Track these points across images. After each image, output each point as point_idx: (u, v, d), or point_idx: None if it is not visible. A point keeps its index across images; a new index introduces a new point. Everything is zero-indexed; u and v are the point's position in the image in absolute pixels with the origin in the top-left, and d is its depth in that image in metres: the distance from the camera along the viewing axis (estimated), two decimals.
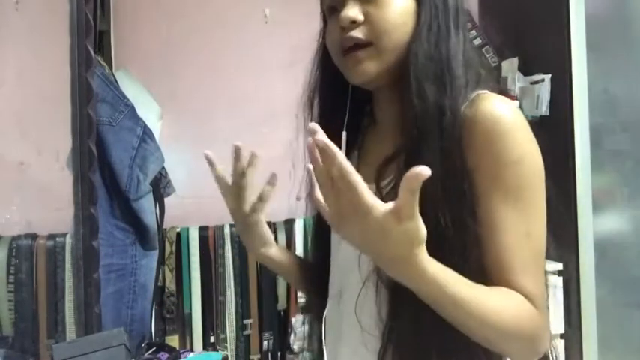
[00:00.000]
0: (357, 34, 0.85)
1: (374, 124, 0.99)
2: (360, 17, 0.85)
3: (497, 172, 0.79)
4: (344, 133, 0.93)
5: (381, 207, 0.65)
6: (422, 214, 0.70)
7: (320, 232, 1.04)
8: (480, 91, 0.85)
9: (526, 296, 0.78)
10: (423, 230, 0.67)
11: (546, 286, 0.84)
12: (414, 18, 0.86)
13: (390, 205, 0.65)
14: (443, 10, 0.87)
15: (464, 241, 0.79)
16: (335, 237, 0.99)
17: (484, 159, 0.80)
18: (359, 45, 0.86)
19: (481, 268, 0.80)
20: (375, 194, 0.80)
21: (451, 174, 0.79)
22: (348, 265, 0.90)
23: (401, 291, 0.78)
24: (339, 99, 0.95)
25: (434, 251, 0.73)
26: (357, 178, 0.65)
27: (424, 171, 0.62)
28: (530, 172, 0.80)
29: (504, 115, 0.80)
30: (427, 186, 0.74)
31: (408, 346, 0.82)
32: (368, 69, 0.87)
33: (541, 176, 0.82)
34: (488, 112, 0.80)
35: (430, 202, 0.76)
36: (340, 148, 0.92)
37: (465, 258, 0.79)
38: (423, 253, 0.69)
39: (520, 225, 0.79)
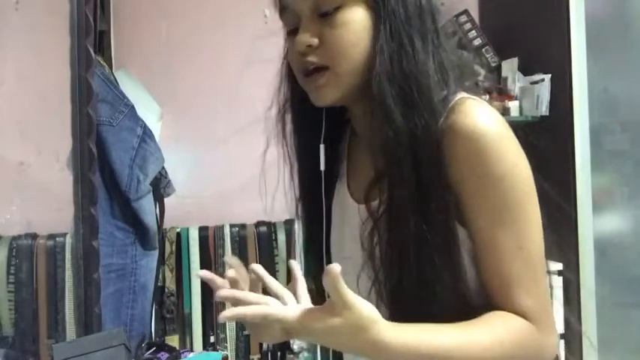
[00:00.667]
0: (313, 58, 0.83)
1: (355, 135, 0.97)
2: (315, 41, 0.82)
3: (484, 189, 0.77)
4: (322, 146, 0.91)
5: (295, 319, 0.68)
6: (405, 233, 0.73)
7: (315, 252, 1.02)
8: (460, 96, 0.81)
9: (524, 312, 0.76)
10: (364, 315, 0.68)
11: (551, 291, 0.83)
12: (371, 34, 0.81)
13: (303, 313, 0.68)
14: (403, 21, 0.81)
15: (455, 258, 0.78)
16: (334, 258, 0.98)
17: (469, 174, 0.77)
18: (317, 68, 0.83)
19: (478, 285, 0.80)
20: (368, 213, 0.83)
21: (432, 191, 0.77)
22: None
23: (400, 309, 0.79)
24: (314, 111, 0.91)
25: (427, 273, 0.75)
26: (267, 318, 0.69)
27: (332, 270, 0.65)
28: (518, 184, 0.78)
29: (486, 127, 0.77)
30: (409, 205, 0.76)
31: None
32: (327, 95, 0.84)
33: (530, 186, 0.79)
34: (469, 124, 0.77)
35: (413, 220, 0.77)
36: (318, 160, 0.91)
37: (458, 277, 0.78)
38: (380, 332, 0.70)
39: (511, 239, 0.77)
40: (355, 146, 0.97)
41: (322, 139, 0.92)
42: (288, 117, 0.96)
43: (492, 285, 0.78)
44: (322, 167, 0.91)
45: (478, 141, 0.76)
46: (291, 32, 0.87)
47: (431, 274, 0.76)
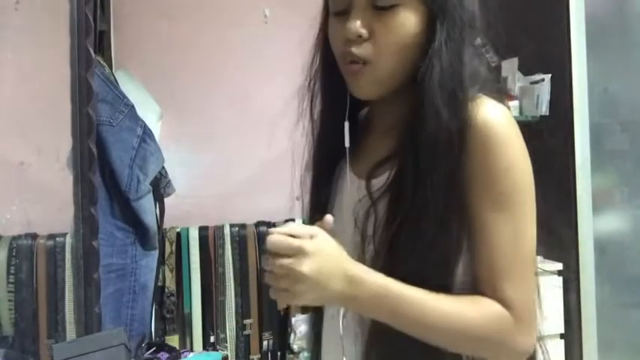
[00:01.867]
0: (358, 50, 0.82)
1: (371, 121, 0.98)
2: (365, 33, 0.82)
3: (488, 179, 0.80)
4: (346, 123, 0.92)
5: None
6: (406, 216, 0.77)
7: None
8: (478, 95, 0.84)
9: (505, 302, 0.78)
10: (333, 240, 0.75)
11: (537, 288, 0.85)
12: (424, 36, 0.83)
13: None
14: (460, 27, 0.83)
15: (450, 245, 0.80)
16: None
17: (475, 163, 0.80)
18: (357, 60, 0.84)
19: (467, 272, 0.82)
20: (367, 190, 0.86)
21: (443, 177, 0.79)
22: None
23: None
24: (340, 88, 0.91)
25: (419, 258, 0.78)
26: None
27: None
28: (519, 178, 0.82)
29: (498, 123, 0.81)
30: (419, 193, 0.78)
31: None
32: (365, 89, 0.86)
33: (530, 184, 0.83)
34: (483, 120, 0.81)
35: (420, 205, 0.79)
36: (343, 137, 0.92)
37: (449, 270, 0.81)
38: (353, 262, 0.76)
39: (506, 228, 0.80)
40: (366, 132, 0.98)
41: (346, 116, 0.92)
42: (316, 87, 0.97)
43: (481, 273, 0.81)
44: (347, 144, 0.92)
45: (489, 132, 0.80)
46: (339, 13, 0.86)
47: (423, 261, 0.78)
